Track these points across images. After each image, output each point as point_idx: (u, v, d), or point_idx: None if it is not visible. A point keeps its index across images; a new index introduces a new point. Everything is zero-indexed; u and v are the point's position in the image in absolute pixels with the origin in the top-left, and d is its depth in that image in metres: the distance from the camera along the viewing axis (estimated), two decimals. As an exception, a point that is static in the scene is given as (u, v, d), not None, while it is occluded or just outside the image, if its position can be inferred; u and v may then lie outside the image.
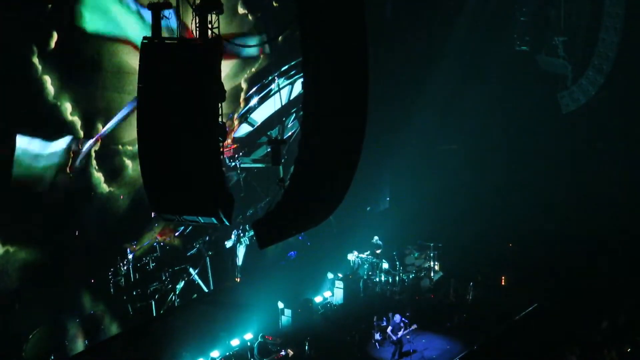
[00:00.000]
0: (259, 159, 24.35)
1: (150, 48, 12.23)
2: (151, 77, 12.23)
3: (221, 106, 12.25)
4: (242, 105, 23.87)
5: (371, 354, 21.78)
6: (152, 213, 19.91)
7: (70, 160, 19.47)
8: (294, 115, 25.14)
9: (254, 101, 24.22)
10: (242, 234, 24.16)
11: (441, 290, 25.00)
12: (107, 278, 20.80)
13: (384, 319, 21.73)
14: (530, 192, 28.94)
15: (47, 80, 18.57)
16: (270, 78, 24.46)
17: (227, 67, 22.23)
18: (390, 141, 27.88)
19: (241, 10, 23.13)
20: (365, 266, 25.37)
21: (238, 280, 24.44)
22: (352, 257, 25.53)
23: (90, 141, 19.80)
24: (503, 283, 25.35)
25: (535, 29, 29.08)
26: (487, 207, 28.45)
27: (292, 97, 25.12)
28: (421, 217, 27.47)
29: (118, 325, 21.20)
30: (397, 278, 25.26)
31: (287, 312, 23.10)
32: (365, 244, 25.73)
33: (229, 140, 23.17)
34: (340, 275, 24.92)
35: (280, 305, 23.19)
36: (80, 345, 20.33)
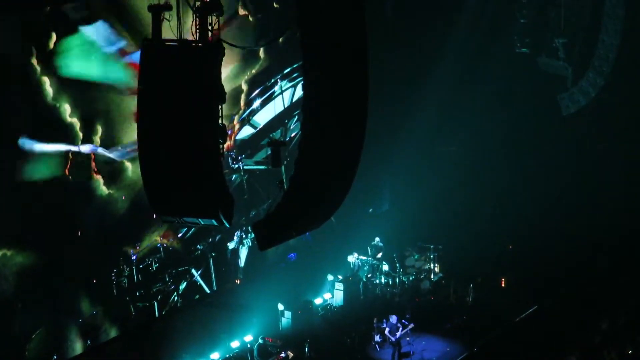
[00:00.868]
0: (261, 161, 24.38)
1: (150, 50, 12.23)
2: (151, 78, 12.23)
3: (221, 108, 12.25)
4: (242, 106, 23.88)
5: (371, 356, 21.77)
6: (153, 215, 19.89)
7: (69, 162, 19.45)
8: (297, 117, 25.15)
9: (256, 103, 24.24)
10: (244, 236, 24.16)
11: (441, 291, 25.00)
12: (110, 279, 20.79)
13: (384, 320, 21.73)
14: (530, 194, 28.92)
15: (46, 81, 18.55)
16: (273, 80, 24.48)
17: (227, 68, 22.23)
18: (390, 142, 27.87)
19: (242, 11, 23.13)
20: (365, 268, 25.37)
21: (238, 281, 24.44)
22: (352, 258, 25.53)
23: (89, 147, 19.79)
24: (503, 285, 25.35)
25: (536, 31, 29.07)
26: (487, 209, 28.44)
27: (294, 100, 25.15)
28: (421, 218, 27.45)
29: (120, 326, 21.20)
30: (397, 280, 25.26)
31: (287, 313, 23.10)
32: (365, 245, 25.73)
33: (229, 142, 23.18)
34: (340, 277, 24.92)
35: (281, 307, 23.19)
36: (81, 346, 20.32)
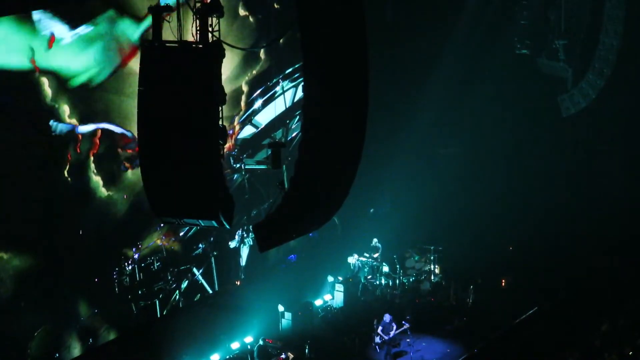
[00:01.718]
0: (262, 161, 24.32)
1: (150, 51, 12.23)
2: (151, 80, 12.23)
3: (221, 109, 12.25)
4: (243, 108, 23.88)
5: (371, 357, 21.79)
6: (153, 216, 19.87)
7: (68, 163, 19.43)
8: (298, 117, 25.17)
9: (258, 103, 24.24)
10: (245, 235, 24.16)
11: (441, 293, 25.00)
12: (112, 278, 20.77)
13: (376, 320, 21.78)
14: (531, 195, 28.93)
15: (45, 82, 18.53)
16: (274, 80, 24.49)
17: (227, 69, 22.23)
18: (391, 144, 27.88)
19: (242, 12, 23.13)
20: (366, 269, 25.37)
21: (238, 283, 24.44)
22: (352, 260, 25.53)
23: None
24: (503, 286, 25.36)
25: (536, 32, 29.06)
26: (487, 210, 28.44)
27: (296, 100, 25.15)
28: (421, 220, 27.46)
29: (120, 326, 21.18)
30: (397, 281, 25.27)
31: (288, 315, 23.12)
32: (365, 246, 25.73)
33: (230, 144, 23.19)
34: (340, 278, 24.93)
35: (281, 308, 23.20)
36: (82, 346, 20.31)
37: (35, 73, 18.25)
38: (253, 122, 24.38)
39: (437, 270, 25.82)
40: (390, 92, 27.02)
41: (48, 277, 19.16)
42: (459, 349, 21.92)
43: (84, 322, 20.31)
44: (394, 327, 21.26)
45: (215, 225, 12.76)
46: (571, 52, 28.58)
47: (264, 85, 24.23)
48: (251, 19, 23.36)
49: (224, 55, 12.17)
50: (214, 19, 12.36)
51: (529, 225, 27.86)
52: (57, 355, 19.72)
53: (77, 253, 19.85)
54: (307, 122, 12.73)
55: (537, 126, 29.67)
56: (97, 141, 20.02)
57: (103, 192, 20.32)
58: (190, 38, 12.28)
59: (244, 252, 24.34)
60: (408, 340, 21.57)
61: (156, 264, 21.88)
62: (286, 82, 24.73)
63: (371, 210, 29.13)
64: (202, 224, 13.07)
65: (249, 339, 21.94)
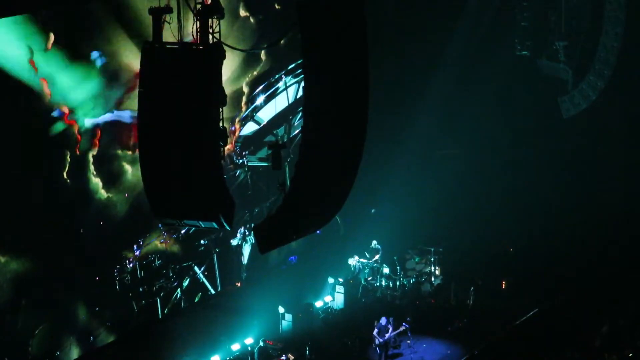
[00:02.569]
0: (264, 158, 24.33)
1: (151, 52, 12.23)
2: (152, 81, 12.24)
3: (222, 111, 12.26)
4: (243, 109, 23.86)
5: (371, 359, 21.78)
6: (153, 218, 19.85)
7: (67, 164, 19.40)
8: (301, 114, 25.09)
9: (260, 99, 24.16)
10: (247, 233, 24.12)
11: (442, 294, 24.99)
12: (113, 276, 20.73)
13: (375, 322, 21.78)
14: (531, 197, 28.92)
15: (44, 82, 18.51)
16: (277, 76, 24.41)
17: (228, 70, 22.20)
18: (391, 145, 27.88)
19: (243, 13, 23.12)
20: (366, 271, 25.37)
21: (239, 284, 24.44)
22: (352, 261, 25.53)
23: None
24: (503, 287, 25.35)
25: (536, 34, 29.06)
26: (487, 211, 28.44)
27: (298, 96, 25.03)
28: (422, 221, 27.47)
29: (121, 325, 21.15)
30: (397, 283, 25.26)
31: (288, 316, 23.11)
32: (365, 248, 25.72)
33: (230, 145, 23.18)
34: (341, 279, 24.92)
35: (281, 309, 23.20)
36: (82, 346, 20.30)
37: (34, 73, 18.23)
38: (255, 118, 24.29)
39: (437, 272, 25.81)
40: (391, 94, 27.00)
41: (48, 278, 19.14)
42: (459, 350, 21.91)
43: (85, 321, 20.30)
44: (390, 330, 21.25)
45: (216, 226, 12.80)
46: (571, 54, 28.58)
47: (266, 81, 24.14)
48: (252, 20, 23.35)
49: (224, 57, 12.18)
50: (215, 20, 12.37)
51: (529, 227, 27.86)
52: (58, 353, 19.70)
53: (77, 254, 19.82)
54: (308, 124, 12.74)
55: (538, 127, 29.66)
56: (97, 142, 20.00)
57: (103, 193, 20.29)
58: (190, 39, 12.29)
59: (246, 250, 24.31)
60: (408, 341, 21.57)
61: (157, 262, 21.84)
62: (289, 77, 24.58)
63: (372, 211, 29.13)
64: (203, 226, 13.09)
65: (249, 341, 21.93)
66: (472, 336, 22.49)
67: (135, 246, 21.24)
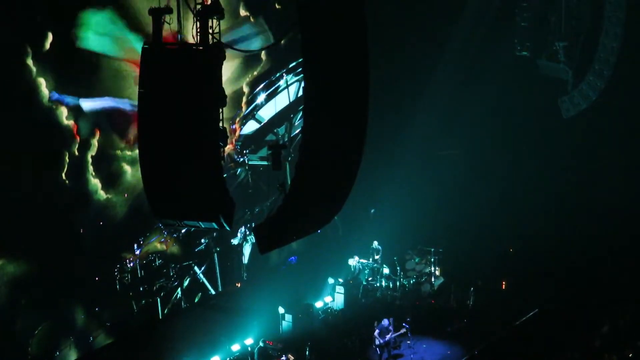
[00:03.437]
0: (265, 157, 24.28)
1: (151, 53, 12.22)
2: (152, 82, 12.23)
3: (222, 111, 12.25)
4: (243, 109, 23.84)
5: (371, 359, 21.76)
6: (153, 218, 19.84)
7: (66, 165, 19.37)
8: (302, 112, 25.04)
9: (261, 98, 24.09)
10: (248, 232, 24.08)
11: (442, 295, 24.98)
12: (113, 275, 20.70)
13: (376, 323, 21.76)
14: (531, 197, 28.92)
15: (42, 83, 18.46)
16: (278, 75, 24.35)
17: (228, 71, 22.20)
18: (391, 146, 27.87)
19: (243, 12, 23.11)
20: (366, 271, 25.35)
21: (239, 285, 24.42)
22: (353, 262, 25.51)
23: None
24: (503, 288, 25.33)
25: (536, 34, 29.06)
26: (487, 212, 28.42)
27: (299, 94, 24.95)
28: (422, 222, 27.44)
29: (121, 325, 21.14)
30: (397, 283, 25.24)
31: (288, 317, 23.08)
32: (365, 248, 25.71)
33: (230, 145, 23.16)
34: (341, 280, 24.91)
35: (281, 310, 23.17)
36: (82, 346, 20.29)
37: (32, 73, 18.20)
38: (256, 117, 24.23)
39: (437, 272, 25.79)
40: (391, 94, 27.00)
41: (48, 278, 19.13)
42: (459, 351, 21.89)
43: (84, 321, 20.30)
44: (392, 331, 21.23)
45: (216, 227, 12.78)
46: (571, 54, 28.58)
47: (267, 79, 24.11)
48: (252, 20, 23.35)
49: (224, 57, 12.17)
50: (215, 21, 12.36)
51: (529, 227, 27.84)
52: (57, 353, 19.68)
53: (77, 254, 19.81)
54: (308, 124, 12.73)
55: (538, 127, 29.66)
56: (96, 143, 19.98)
57: (102, 194, 20.26)
58: (190, 40, 12.28)
59: (247, 250, 24.27)
60: (409, 342, 21.54)
61: (157, 261, 21.81)
62: (290, 75, 24.49)
63: (372, 211, 29.12)
64: (203, 226, 13.10)
65: (249, 341, 21.89)
66: (472, 336, 22.47)
67: (135, 245, 21.19)
